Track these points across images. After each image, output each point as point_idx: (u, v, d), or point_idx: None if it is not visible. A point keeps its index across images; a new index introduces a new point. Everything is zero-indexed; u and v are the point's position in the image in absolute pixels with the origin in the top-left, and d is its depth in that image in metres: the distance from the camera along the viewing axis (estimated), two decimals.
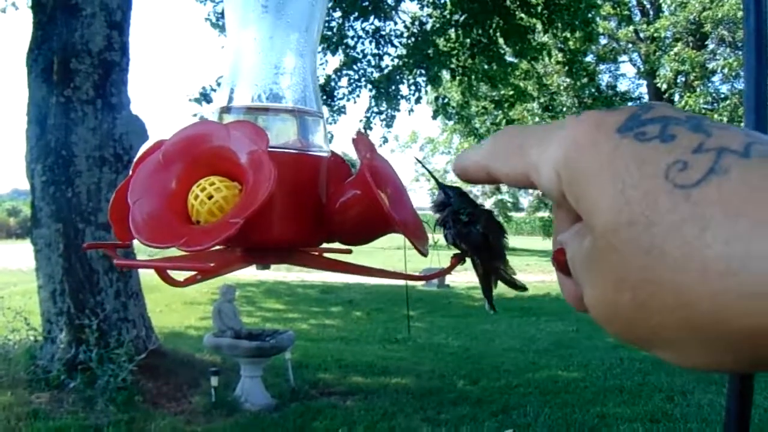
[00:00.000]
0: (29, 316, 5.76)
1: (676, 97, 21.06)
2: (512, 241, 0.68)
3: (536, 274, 15.42)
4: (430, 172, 0.79)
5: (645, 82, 23.70)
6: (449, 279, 13.21)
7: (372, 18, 10.75)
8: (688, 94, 20.00)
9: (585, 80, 18.60)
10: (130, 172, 0.66)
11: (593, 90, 19.95)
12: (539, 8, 10.27)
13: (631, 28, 22.15)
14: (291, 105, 0.72)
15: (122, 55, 5.84)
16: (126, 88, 5.92)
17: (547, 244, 25.64)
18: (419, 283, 13.04)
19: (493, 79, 11.33)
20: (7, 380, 5.27)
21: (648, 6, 23.09)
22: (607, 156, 0.32)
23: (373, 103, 11.06)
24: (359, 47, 11.07)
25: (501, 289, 0.71)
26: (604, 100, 19.05)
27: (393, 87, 10.92)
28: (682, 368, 0.32)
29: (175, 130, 0.66)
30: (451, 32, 10.96)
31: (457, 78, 11.23)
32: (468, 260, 0.70)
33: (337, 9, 10.21)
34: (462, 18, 10.49)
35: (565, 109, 20.74)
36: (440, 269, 0.78)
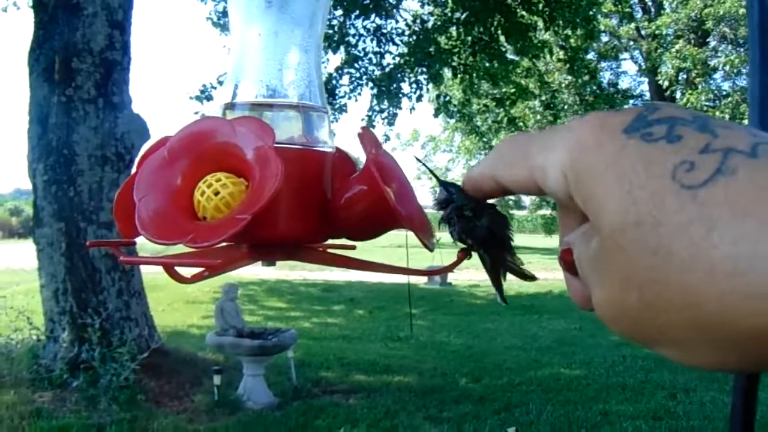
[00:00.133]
0: (32, 315, 5.77)
1: (678, 95, 21.04)
2: (515, 239, 0.68)
3: (538, 272, 15.35)
4: (430, 170, 0.79)
5: (646, 80, 23.69)
6: (451, 277, 13.20)
7: (373, 16, 10.74)
8: (689, 92, 19.99)
9: (586, 78, 18.58)
10: (134, 170, 0.66)
11: (595, 87, 19.95)
12: (540, 6, 10.26)
13: (633, 25, 22.15)
14: (295, 101, 0.71)
15: (123, 54, 5.85)
16: (127, 87, 5.92)
17: (549, 242, 25.67)
18: (422, 282, 13.04)
19: (494, 77, 11.33)
20: (10, 379, 5.28)
21: (649, 3, 23.08)
22: (614, 156, 0.32)
23: (374, 102, 11.06)
24: (360, 45, 11.08)
25: (504, 284, 0.71)
26: (605, 97, 19.05)
27: (394, 85, 10.92)
28: (686, 367, 0.32)
29: (179, 128, 0.66)
30: (453, 30, 10.96)
31: (459, 76, 11.23)
32: (474, 255, 0.69)
33: (339, 7, 10.21)
34: (463, 16, 10.49)
35: (566, 106, 20.73)
36: (443, 266, 0.77)
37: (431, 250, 0.70)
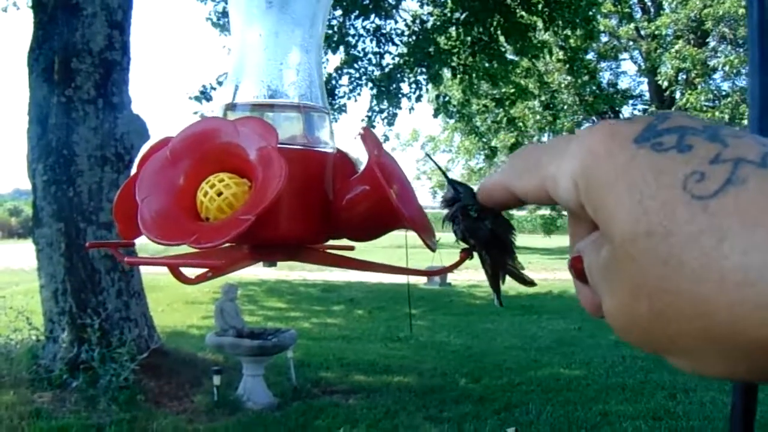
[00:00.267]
0: (31, 315, 5.77)
1: (677, 95, 21.07)
2: (516, 242, 0.68)
3: (538, 272, 15.42)
4: (440, 168, 0.79)
5: (646, 80, 23.71)
6: (451, 277, 13.20)
7: (373, 16, 10.74)
8: (689, 92, 19.99)
9: (586, 78, 18.55)
10: (134, 170, 0.66)
11: (594, 88, 19.92)
12: (540, 6, 10.26)
13: (632, 25, 22.16)
14: (296, 101, 0.71)
15: (123, 54, 5.84)
16: (127, 87, 5.92)
17: (548, 242, 25.66)
18: (421, 282, 13.04)
19: (494, 77, 11.32)
20: (10, 380, 5.28)
21: (649, 3, 23.10)
22: (624, 166, 0.32)
23: (374, 102, 11.05)
24: (360, 46, 11.07)
25: (502, 287, 0.71)
26: (605, 97, 19.04)
27: (394, 85, 10.91)
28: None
29: (179, 128, 0.66)
30: (452, 30, 10.96)
31: (458, 76, 11.22)
32: (475, 256, 0.69)
33: (338, 7, 10.20)
34: (463, 16, 10.49)
35: (566, 106, 20.75)
36: (444, 267, 0.78)
37: (433, 251, 0.71)
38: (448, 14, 10.90)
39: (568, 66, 13.27)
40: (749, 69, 1.08)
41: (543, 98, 16.47)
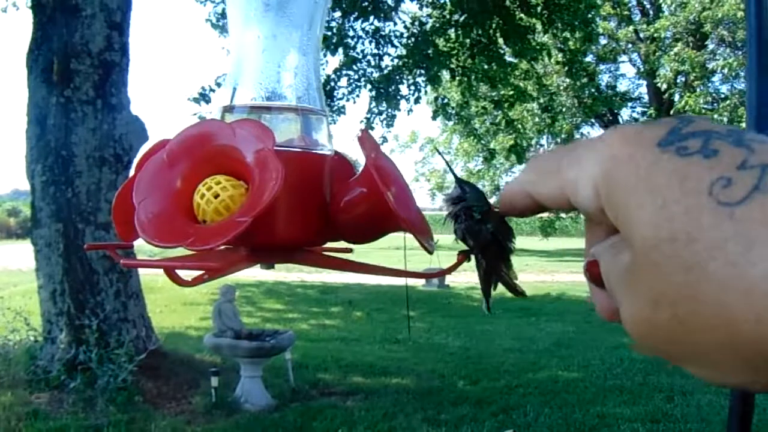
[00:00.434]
0: (29, 316, 5.77)
1: (676, 97, 21.09)
2: (514, 250, 0.68)
3: (536, 274, 15.44)
4: (449, 165, 0.79)
5: (645, 82, 23.74)
6: (449, 279, 13.20)
7: (372, 18, 10.74)
8: (688, 94, 20.01)
9: (585, 80, 18.62)
10: (132, 172, 0.66)
11: (593, 90, 19.97)
12: (539, 8, 10.26)
13: (631, 28, 22.21)
14: (294, 103, 0.71)
15: (122, 55, 5.84)
16: (126, 88, 5.92)
17: (547, 245, 25.65)
18: (419, 284, 13.05)
19: (492, 79, 11.32)
20: (7, 380, 5.27)
21: (648, 6, 23.13)
22: (647, 170, 0.31)
23: (373, 104, 11.05)
24: (359, 47, 11.06)
25: (501, 289, 0.71)
26: (603, 100, 19.07)
27: (393, 87, 10.91)
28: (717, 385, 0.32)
29: (177, 130, 0.66)
30: (451, 32, 10.95)
31: (457, 78, 11.22)
32: (472, 259, 0.69)
33: (337, 9, 10.20)
34: (462, 18, 10.48)
35: (564, 109, 20.76)
36: (442, 269, 0.78)
37: (431, 253, 0.71)
38: (447, 16, 10.90)
39: (566, 68, 13.29)
40: (747, 72, 1.08)
41: (542, 100, 16.45)
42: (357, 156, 0.73)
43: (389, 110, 11.13)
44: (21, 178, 6.04)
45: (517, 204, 0.42)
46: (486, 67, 11.04)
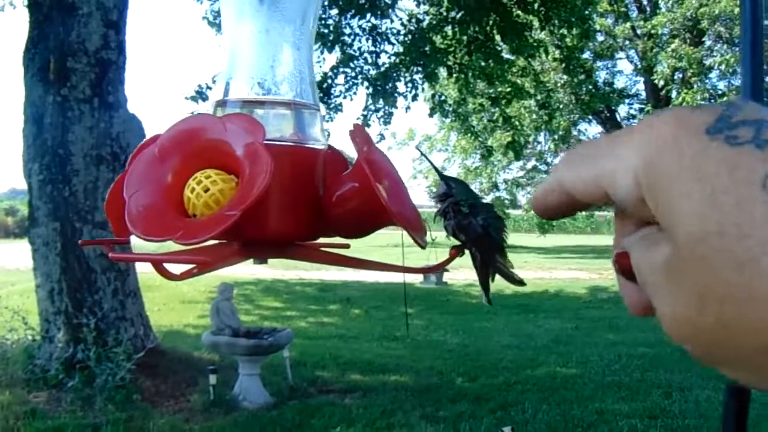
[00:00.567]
0: (27, 315, 5.76)
1: (673, 94, 21.08)
2: (510, 238, 0.68)
3: (534, 271, 15.44)
4: (431, 163, 0.79)
5: (642, 79, 23.72)
6: (447, 276, 13.20)
7: (369, 15, 10.73)
8: (685, 91, 20.00)
9: (582, 77, 18.58)
10: (126, 168, 0.66)
11: (590, 87, 19.94)
12: (536, 5, 10.26)
13: (628, 24, 22.18)
14: (287, 98, 0.71)
15: (119, 53, 5.84)
16: (123, 86, 5.91)
17: (544, 241, 25.63)
18: (417, 281, 13.04)
19: (489, 76, 11.32)
20: (5, 379, 5.27)
21: (645, 2, 23.11)
22: (694, 158, 0.29)
23: (370, 101, 11.05)
24: (356, 45, 11.06)
25: (499, 286, 0.70)
26: (601, 96, 19.05)
27: (390, 84, 10.91)
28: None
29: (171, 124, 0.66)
30: (448, 29, 10.95)
31: (454, 75, 11.23)
32: (466, 253, 0.69)
33: (334, 6, 10.20)
34: (459, 15, 10.49)
35: (561, 106, 20.75)
36: (436, 264, 0.77)
37: (423, 248, 0.70)
38: (444, 13, 10.90)
39: (564, 65, 13.29)
40: (741, 68, 1.09)
41: (539, 97, 16.45)
42: (354, 152, 0.73)
43: (386, 108, 11.13)
44: (18, 176, 6.04)
45: (551, 202, 0.39)
46: (483, 64, 11.05)
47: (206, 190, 0.60)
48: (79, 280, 5.58)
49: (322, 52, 10.84)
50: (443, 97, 13.26)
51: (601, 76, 23.42)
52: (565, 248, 24.41)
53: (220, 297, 5.60)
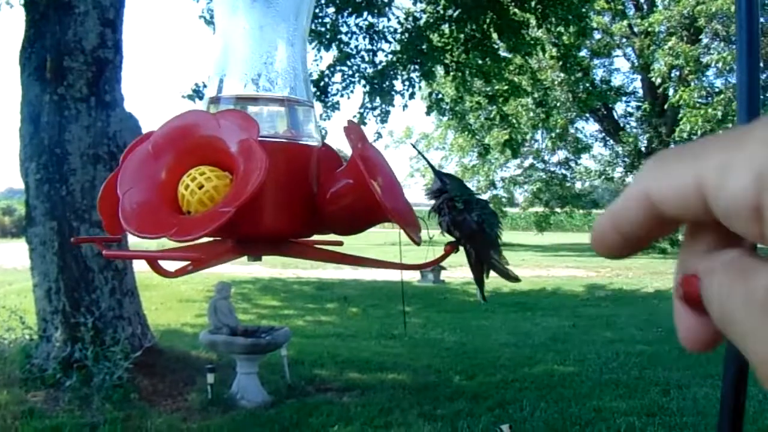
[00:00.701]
0: (25, 314, 5.76)
1: (670, 92, 21.10)
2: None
3: (532, 269, 15.44)
4: (425, 159, 0.79)
5: (639, 77, 23.77)
6: (444, 274, 13.20)
7: (365, 14, 10.72)
8: (682, 89, 20.01)
9: (579, 75, 18.60)
10: (119, 165, 0.66)
11: (587, 84, 19.97)
12: (533, 3, 10.26)
13: (625, 22, 22.20)
14: (280, 94, 0.71)
15: (115, 52, 5.83)
16: (119, 85, 5.91)
17: (542, 239, 25.64)
18: (415, 279, 13.05)
19: (487, 75, 11.31)
20: (3, 379, 5.26)
21: (642, 0, 23.13)
22: None
23: (367, 99, 11.04)
24: (353, 43, 11.05)
25: (496, 284, 0.71)
26: (598, 94, 19.06)
27: (387, 83, 10.90)
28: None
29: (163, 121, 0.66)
30: (445, 28, 10.95)
31: (451, 73, 11.22)
32: (461, 250, 0.69)
33: (331, 5, 10.19)
34: (455, 13, 10.48)
35: (559, 103, 20.78)
36: (431, 260, 0.77)
37: (418, 244, 0.70)
38: (441, 11, 10.89)
39: (561, 63, 13.28)
40: (737, 65, 1.09)
41: (536, 95, 16.47)
42: (350, 151, 0.73)
43: (383, 106, 11.12)
44: (15, 176, 6.04)
45: (625, 222, 0.30)
46: (480, 62, 11.04)
47: (200, 187, 0.60)
48: (77, 279, 5.57)
49: (318, 51, 10.84)
50: (440, 95, 13.25)
51: (598, 73, 23.48)
52: (562, 246, 24.40)
53: (218, 296, 5.59)
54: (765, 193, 0.24)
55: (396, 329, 8.61)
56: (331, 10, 10.37)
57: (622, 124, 24.45)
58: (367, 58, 11.08)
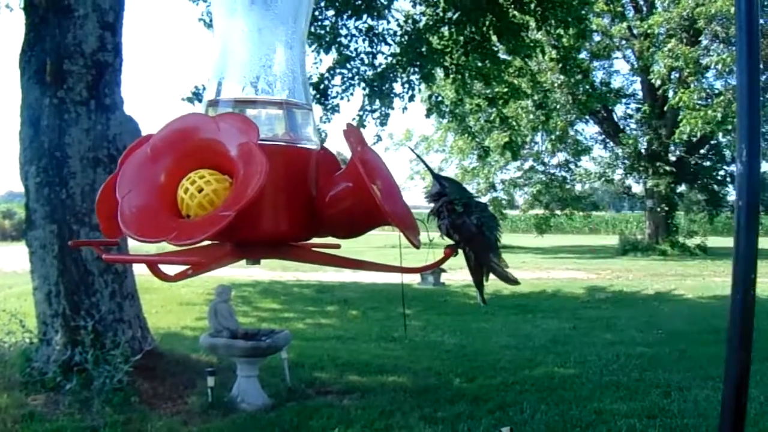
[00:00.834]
0: (25, 318, 5.74)
1: (670, 93, 21.12)
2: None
3: (532, 271, 15.43)
4: (424, 162, 0.79)
5: (639, 79, 23.77)
6: (444, 277, 13.18)
7: (365, 16, 10.72)
8: (681, 90, 20.03)
9: (579, 77, 18.64)
10: (118, 168, 0.66)
11: (587, 87, 20.00)
12: (532, 5, 10.26)
13: (625, 24, 22.23)
14: (279, 97, 0.71)
15: (115, 55, 5.82)
16: (119, 88, 5.90)
17: (542, 242, 25.61)
18: (415, 282, 13.03)
19: (486, 77, 11.31)
20: (3, 382, 5.26)
21: (641, 2, 23.16)
22: None
23: (366, 102, 11.04)
24: (352, 46, 11.05)
25: (497, 286, 0.70)
26: (597, 96, 19.10)
27: (386, 85, 10.90)
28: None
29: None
30: (445, 30, 10.95)
31: (451, 76, 11.22)
32: (460, 253, 0.69)
33: (330, 8, 10.19)
34: (455, 16, 10.48)
35: (558, 106, 20.78)
36: (430, 263, 0.77)
37: (417, 247, 0.70)
38: (441, 14, 10.90)
39: (560, 65, 13.32)
40: (737, 67, 1.09)
41: (536, 97, 16.47)
42: (349, 153, 0.73)
43: (383, 108, 11.12)
44: (15, 179, 6.04)
45: None
46: (480, 64, 11.04)
47: (200, 191, 0.60)
48: (77, 283, 5.57)
49: (318, 53, 10.84)
50: (440, 98, 13.26)
51: (598, 76, 23.52)
52: (562, 248, 24.40)
53: (218, 299, 5.59)
54: None
55: (396, 332, 8.60)
56: (330, 12, 10.38)
57: (621, 126, 24.47)
58: (366, 61, 11.08)
